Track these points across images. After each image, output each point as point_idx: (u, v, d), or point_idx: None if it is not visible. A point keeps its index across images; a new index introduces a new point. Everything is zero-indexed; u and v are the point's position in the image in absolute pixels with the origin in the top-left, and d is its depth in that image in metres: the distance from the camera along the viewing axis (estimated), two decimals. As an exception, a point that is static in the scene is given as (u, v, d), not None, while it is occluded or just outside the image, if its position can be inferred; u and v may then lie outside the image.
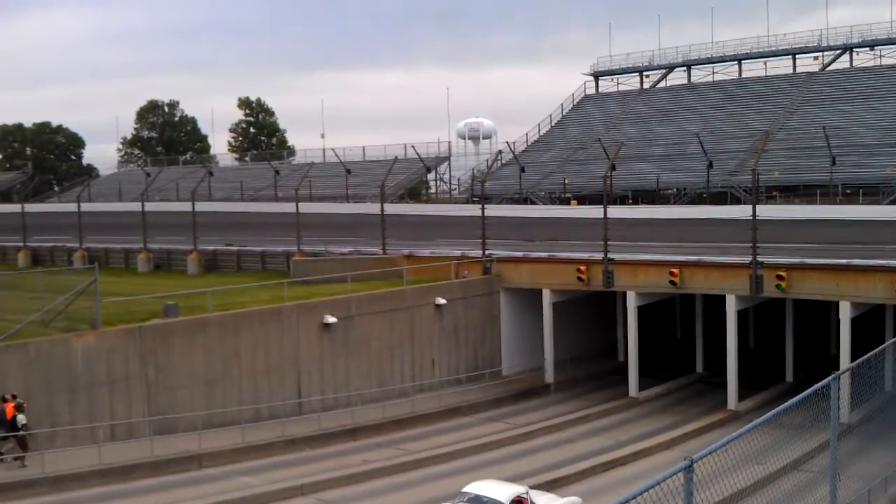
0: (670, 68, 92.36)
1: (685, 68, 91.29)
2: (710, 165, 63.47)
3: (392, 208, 50.47)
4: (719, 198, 65.94)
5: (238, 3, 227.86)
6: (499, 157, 74.95)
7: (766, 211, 38.56)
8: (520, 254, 40.87)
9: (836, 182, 62.52)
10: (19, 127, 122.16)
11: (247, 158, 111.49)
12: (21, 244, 55.59)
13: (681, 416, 34.58)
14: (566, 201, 73.62)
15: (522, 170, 71.10)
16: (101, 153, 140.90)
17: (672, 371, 40.88)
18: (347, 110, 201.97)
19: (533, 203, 74.16)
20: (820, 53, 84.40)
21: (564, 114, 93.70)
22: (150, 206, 52.40)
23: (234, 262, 47.82)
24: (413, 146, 73.40)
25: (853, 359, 27.90)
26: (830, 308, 37.14)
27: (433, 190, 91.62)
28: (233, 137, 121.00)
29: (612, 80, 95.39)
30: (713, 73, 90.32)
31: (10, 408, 24.85)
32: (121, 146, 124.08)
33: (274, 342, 31.48)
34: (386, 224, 42.99)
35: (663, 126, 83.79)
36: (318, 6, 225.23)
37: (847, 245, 37.03)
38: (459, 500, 21.10)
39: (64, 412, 26.36)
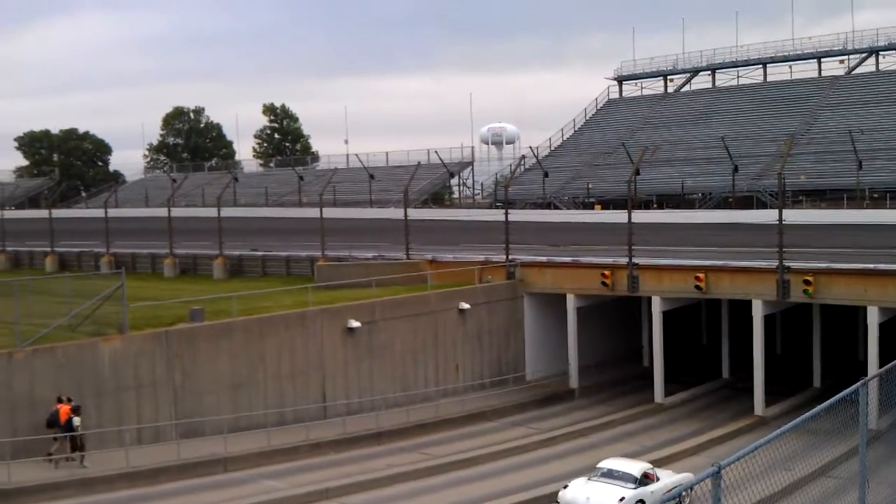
0: (695, 72, 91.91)
1: (710, 72, 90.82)
2: (736, 169, 63.04)
3: (415, 213, 50.60)
4: (745, 202, 65.51)
5: (262, 11, 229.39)
6: (522, 162, 74.97)
7: (793, 215, 38.26)
8: (544, 258, 40.80)
9: (863, 186, 61.91)
10: (46, 133, 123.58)
11: (271, 164, 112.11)
12: (48, 249, 56.20)
13: (707, 421, 34.35)
14: (590, 206, 73.47)
15: (546, 174, 70.99)
16: (128, 159, 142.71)
17: (698, 376, 40.63)
18: (371, 116, 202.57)
19: (556, 208, 74.02)
20: (845, 57, 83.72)
21: (588, 118, 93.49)
22: (177, 212, 52.79)
23: (259, 266, 48.09)
24: (436, 151, 73.49)
25: (881, 364, 27.65)
26: (858, 313, 36.75)
27: (456, 195, 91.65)
28: (257, 143, 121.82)
29: (636, 84, 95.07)
30: (738, 76, 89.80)
31: (64, 410, 25.26)
32: (147, 152, 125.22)
33: (299, 346, 31.62)
34: (409, 229, 43.06)
35: (688, 130, 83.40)
36: (341, 13, 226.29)
37: (875, 249, 36.66)
38: (594, 474, 23.76)
39: (91, 415, 26.55)
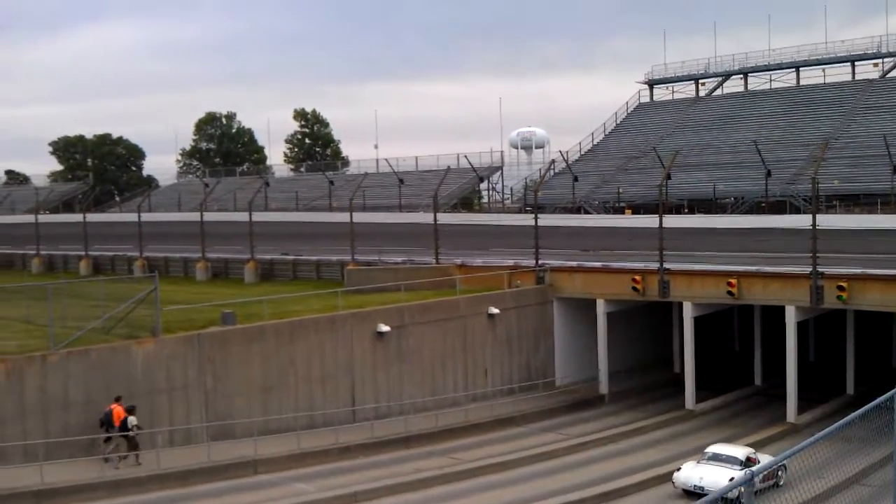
0: (727, 76, 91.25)
1: (742, 76, 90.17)
2: (769, 174, 62.48)
3: (445, 218, 50.59)
4: (778, 207, 64.89)
5: (293, 17, 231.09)
6: (552, 167, 74.82)
7: (826, 220, 37.84)
8: (573, 263, 40.67)
9: (898, 190, 61.07)
10: (81, 138, 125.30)
11: (302, 169, 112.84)
12: (83, 253, 56.93)
13: (739, 428, 34.03)
14: (620, 210, 73.11)
15: (576, 179, 70.80)
16: (161, 164, 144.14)
17: (729, 383, 40.27)
18: (401, 121, 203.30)
19: (587, 212, 73.76)
20: (879, 60, 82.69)
21: (619, 122, 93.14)
22: (209, 216, 53.30)
23: (290, 271, 48.39)
24: (466, 156, 73.59)
25: (917, 371, 27.26)
26: (893, 319, 36.28)
27: (486, 199, 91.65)
28: (288, 148, 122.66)
29: (668, 88, 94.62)
30: (770, 80, 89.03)
31: (118, 410, 25.71)
32: (180, 157, 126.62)
33: (328, 350, 31.77)
34: (439, 234, 43.11)
35: (720, 134, 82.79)
36: (371, 19, 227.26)
37: (911, 255, 36.14)
38: (702, 458, 26.46)
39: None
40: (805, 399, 34.11)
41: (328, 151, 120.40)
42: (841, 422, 9.17)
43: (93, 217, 66.79)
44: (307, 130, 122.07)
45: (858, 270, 33.09)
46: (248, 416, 29.01)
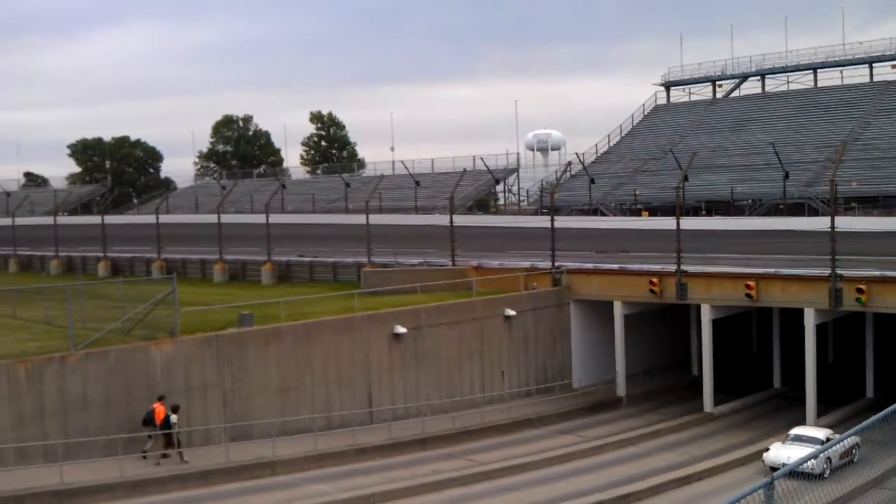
0: (744, 78, 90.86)
1: (759, 78, 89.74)
2: (787, 176, 62.13)
3: (461, 220, 50.62)
4: (796, 209, 64.50)
5: (309, 20, 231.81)
6: (568, 169, 74.57)
7: (845, 222, 37.63)
8: (590, 265, 40.57)
9: (918, 193, 60.63)
10: (99, 141, 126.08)
11: (318, 171, 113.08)
12: (101, 254, 57.29)
13: (757, 431, 33.85)
14: (637, 212, 72.88)
15: (592, 181, 70.64)
16: (179, 166, 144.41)
17: (748, 386, 40.07)
18: (417, 123, 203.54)
19: (603, 214, 73.56)
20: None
21: (635, 124, 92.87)
22: (226, 218, 53.50)
23: (307, 272, 48.51)
24: (482, 158, 73.56)
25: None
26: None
27: (502, 201, 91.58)
28: (305, 151, 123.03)
29: (684, 89, 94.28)
30: (788, 82, 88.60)
31: (160, 409, 26.06)
32: (197, 160, 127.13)
33: (345, 352, 31.83)
34: (455, 236, 43.12)
35: (737, 136, 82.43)
36: (386, 21, 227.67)
37: (931, 257, 35.84)
38: (787, 439, 28.69)
39: (143, 418, 26.97)
40: (824, 402, 33.88)
41: (344, 154, 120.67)
42: (839, 437, 9.10)
43: (111, 219, 67.14)
44: (323, 133, 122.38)
45: (877, 273, 32.87)
46: (266, 417, 29.09)
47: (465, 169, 67.52)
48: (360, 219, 49.59)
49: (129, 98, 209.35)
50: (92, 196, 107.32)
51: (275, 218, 52.44)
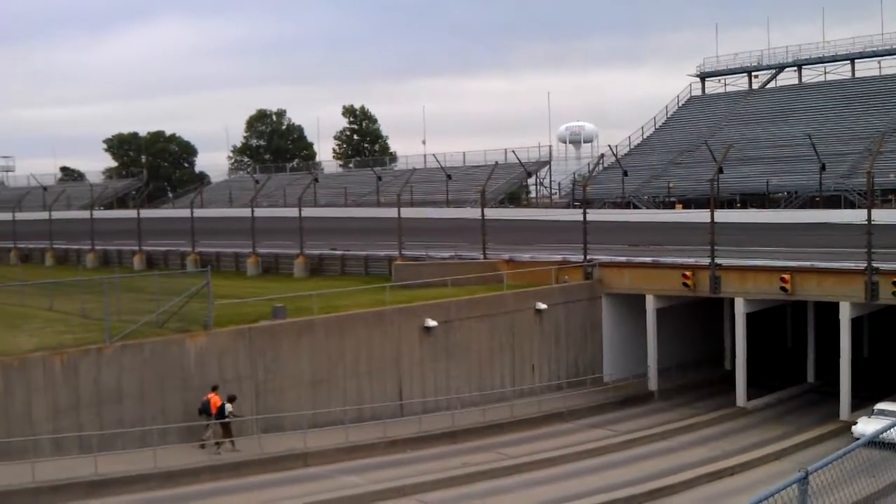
0: (780, 68, 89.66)
1: (796, 68, 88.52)
2: (823, 168, 61.33)
3: (492, 213, 50.50)
4: (832, 201, 63.64)
5: (342, 16, 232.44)
6: (601, 161, 74.25)
7: (882, 215, 37.08)
8: (623, 259, 40.35)
9: (959, 184, 59.51)
10: (134, 136, 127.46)
11: (350, 165, 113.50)
12: (137, 248, 57.96)
13: (791, 426, 33.51)
14: (671, 205, 72.33)
15: (625, 173, 70.18)
16: (213, 161, 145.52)
17: (782, 380, 39.64)
18: (448, 116, 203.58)
19: (636, 207, 73.09)
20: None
21: (669, 116, 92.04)
22: (259, 212, 53.90)
23: (339, 265, 48.74)
24: (513, 151, 73.35)
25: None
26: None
27: (533, 195, 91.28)
28: (337, 145, 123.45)
29: (720, 80, 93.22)
30: (825, 73, 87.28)
31: (215, 399, 26.63)
32: (231, 154, 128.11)
33: (376, 344, 31.96)
34: (486, 229, 43.07)
35: (773, 128, 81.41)
36: (420, 16, 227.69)
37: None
38: (872, 413, 30.30)
39: (177, 410, 27.35)
40: (859, 397, 33.44)
41: (376, 147, 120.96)
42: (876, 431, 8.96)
43: (146, 213, 67.90)
44: (355, 127, 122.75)
45: (916, 266, 32.32)
46: (298, 409, 29.29)
47: (496, 162, 67.47)
48: (391, 212, 49.77)
49: (164, 93, 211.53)
50: (128, 190, 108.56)
51: (307, 211, 52.71)
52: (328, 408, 30.22)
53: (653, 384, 37.88)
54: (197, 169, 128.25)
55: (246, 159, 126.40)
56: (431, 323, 33.03)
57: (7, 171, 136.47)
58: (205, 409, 26.95)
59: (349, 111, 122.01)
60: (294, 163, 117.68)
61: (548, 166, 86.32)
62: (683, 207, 68.78)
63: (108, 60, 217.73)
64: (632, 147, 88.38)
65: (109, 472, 24.10)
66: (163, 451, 25.43)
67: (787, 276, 33.71)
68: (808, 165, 66.69)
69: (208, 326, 28.56)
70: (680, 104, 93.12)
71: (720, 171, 41.73)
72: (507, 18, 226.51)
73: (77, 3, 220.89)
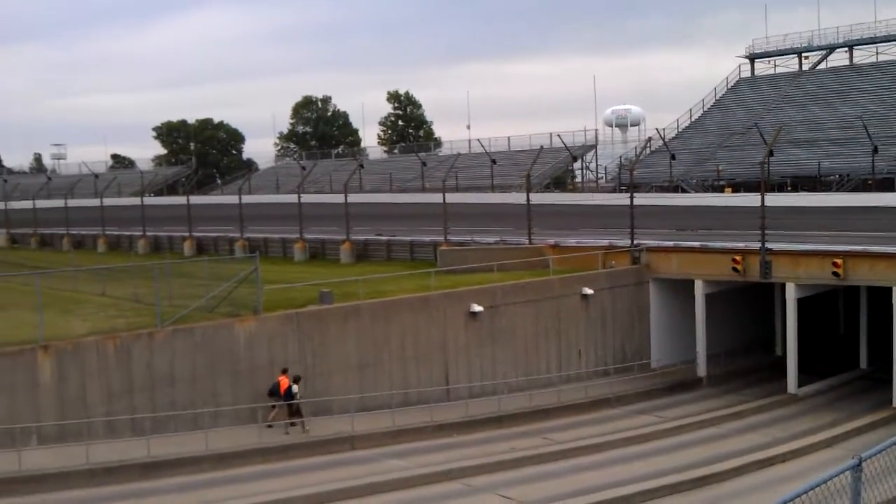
0: (831, 49, 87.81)
1: (847, 49, 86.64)
2: (875, 150, 59.99)
3: (537, 198, 50.29)
4: (885, 184, 62.28)
5: (388, 1, 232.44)
6: (648, 144, 73.39)
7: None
8: (670, 243, 39.93)
9: None
10: (183, 123, 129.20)
11: (395, 151, 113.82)
12: (187, 234, 58.81)
13: (842, 413, 32.95)
14: (720, 189, 71.41)
15: (673, 157, 69.39)
16: (260, 148, 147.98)
17: (834, 367, 38.98)
18: (493, 101, 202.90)
19: (684, 191, 72.26)
20: None
21: (718, 98, 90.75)
22: (306, 198, 54.30)
23: (384, 251, 48.95)
24: (559, 135, 72.96)
25: None
26: None
27: (579, 179, 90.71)
28: (382, 130, 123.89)
29: (769, 62, 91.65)
30: (877, 53, 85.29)
31: (284, 380, 27.34)
32: (277, 141, 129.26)
33: (422, 329, 32.06)
34: (531, 214, 42.91)
35: (824, 109, 79.85)
36: (464, 1, 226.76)
37: None
38: None
39: (227, 393, 27.75)
40: (914, 384, 32.74)
41: (421, 133, 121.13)
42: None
43: (196, 199, 68.82)
44: (400, 112, 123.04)
45: (974, 250, 31.52)
46: (345, 393, 29.55)
47: (541, 146, 66.96)
48: (436, 198, 49.79)
49: (213, 80, 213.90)
50: (177, 177, 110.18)
51: (353, 197, 52.99)
52: (375, 392, 30.44)
53: (701, 370, 37.51)
54: (244, 156, 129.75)
55: (292, 146, 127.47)
56: (477, 308, 33.03)
57: (59, 159, 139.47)
58: (275, 391, 27.63)
59: (394, 97, 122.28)
60: (339, 149, 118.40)
61: (594, 150, 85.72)
62: (733, 191, 67.85)
63: (158, 48, 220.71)
64: (679, 130, 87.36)
65: (162, 455, 24.54)
66: (214, 434, 25.81)
67: (839, 261, 33.09)
68: (860, 148, 65.35)
69: (257, 311, 28.90)
70: (729, 86, 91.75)
71: (770, 153, 41.00)
72: (555, 1, 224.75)
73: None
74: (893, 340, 32.12)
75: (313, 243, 52.42)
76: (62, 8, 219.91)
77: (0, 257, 57.66)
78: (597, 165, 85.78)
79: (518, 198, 53.75)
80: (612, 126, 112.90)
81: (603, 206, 55.98)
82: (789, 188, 68.66)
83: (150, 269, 31.15)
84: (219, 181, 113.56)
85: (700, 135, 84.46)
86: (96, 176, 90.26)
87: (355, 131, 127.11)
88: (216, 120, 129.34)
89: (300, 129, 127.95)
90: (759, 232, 34.78)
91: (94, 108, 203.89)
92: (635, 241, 38.95)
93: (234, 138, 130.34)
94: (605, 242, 40.28)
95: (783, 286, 35.47)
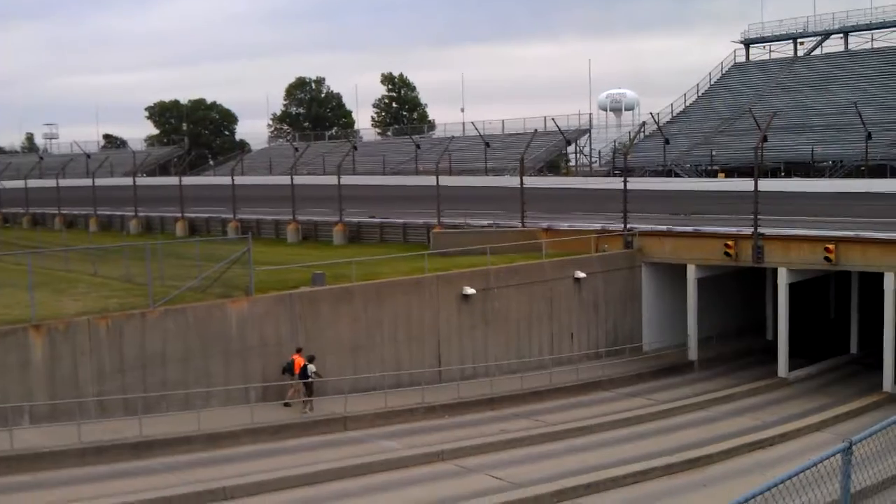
0: (826, 35, 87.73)
1: (842, 35, 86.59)
2: (869, 137, 60.10)
3: (531, 181, 50.30)
4: (878, 171, 62.42)
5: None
6: (642, 129, 73.38)
7: (931, 184, 36.24)
8: (663, 228, 39.99)
9: None
10: (176, 103, 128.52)
11: (389, 133, 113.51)
12: (179, 215, 58.63)
13: (833, 397, 33.16)
14: (713, 174, 71.46)
15: (667, 141, 69.29)
16: (253, 128, 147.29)
17: (824, 351, 39.20)
18: (487, 83, 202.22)
19: (677, 176, 72.31)
20: None
21: (713, 83, 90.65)
22: (299, 180, 54.17)
23: (377, 233, 48.92)
24: (553, 119, 72.67)
25: None
26: None
27: (573, 163, 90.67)
28: (376, 113, 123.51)
29: (764, 47, 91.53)
30: (872, 39, 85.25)
31: (299, 359, 27.64)
32: (271, 122, 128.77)
33: (415, 312, 32.09)
34: (525, 197, 42.89)
35: (818, 95, 79.87)
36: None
37: None
38: None
39: (219, 374, 27.75)
40: (904, 369, 32.92)
41: (415, 115, 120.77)
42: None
43: (188, 180, 68.55)
44: (394, 94, 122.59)
45: (965, 236, 31.65)
46: (338, 375, 29.59)
47: (535, 130, 66.93)
48: (430, 180, 49.70)
49: (205, 61, 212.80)
50: (169, 157, 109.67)
51: (346, 179, 52.90)
52: (367, 373, 30.48)
53: (693, 354, 37.67)
54: (237, 137, 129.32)
55: (286, 127, 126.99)
56: (470, 291, 33.06)
57: (51, 139, 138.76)
58: (289, 369, 27.88)
59: (388, 79, 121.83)
60: (333, 131, 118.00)
61: (588, 134, 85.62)
62: (726, 176, 67.94)
63: (150, 28, 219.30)
64: (674, 115, 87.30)
65: (153, 434, 24.54)
66: (206, 414, 25.82)
67: (831, 246, 33.19)
68: (853, 134, 65.44)
69: (249, 292, 28.87)
70: (724, 71, 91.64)
71: (764, 139, 41.05)
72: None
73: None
74: (884, 325, 32.31)
75: (306, 225, 52.35)
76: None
77: (-9, 237, 57.36)
78: (591, 149, 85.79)
79: (512, 181, 53.79)
80: (606, 110, 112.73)
81: (596, 190, 56.07)
82: (782, 173, 68.78)
83: (141, 250, 31.05)
84: (211, 162, 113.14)
85: (694, 120, 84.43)
86: (88, 156, 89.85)
87: (349, 113, 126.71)
88: (209, 100, 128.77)
89: (293, 110, 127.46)
90: (752, 217, 34.84)
91: (86, 87, 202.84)
92: (628, 226, 38.99)
93: (227, 119, 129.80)
94: (598, 226, 40.33)
95: (775, 271, 35.59)
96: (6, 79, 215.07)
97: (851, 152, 65.90)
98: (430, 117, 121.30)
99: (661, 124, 75.24)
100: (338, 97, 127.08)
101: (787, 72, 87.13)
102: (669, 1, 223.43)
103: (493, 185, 66.95)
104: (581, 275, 36.43)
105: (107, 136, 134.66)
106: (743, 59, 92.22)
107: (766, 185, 39.53)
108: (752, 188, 35.22)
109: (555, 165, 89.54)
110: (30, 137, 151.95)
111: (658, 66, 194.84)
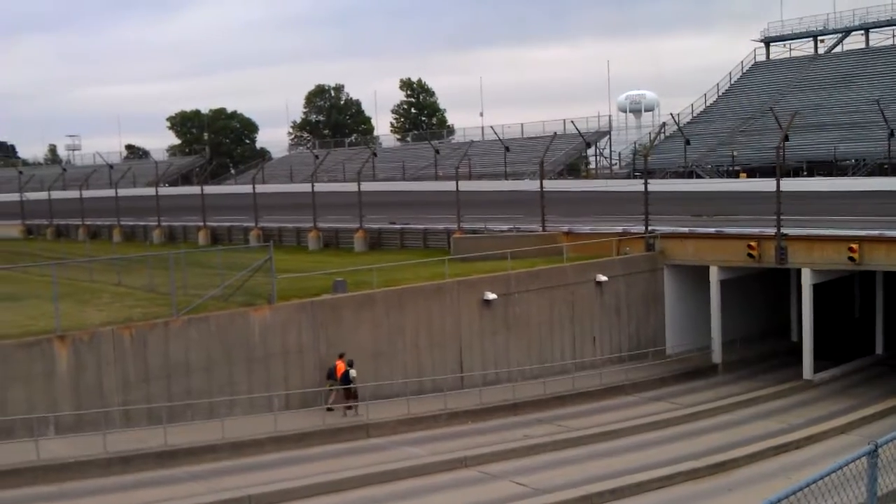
0: (847, 32, 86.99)
1: (863, 32, 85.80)
2: (892, 134, 59.45)
3: (551, 185, 50.13)
4: (902, 169, 61.72)
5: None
6: (662, 130, 73.07)
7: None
8: (685, 229, 39.76)
9: None
10: (197, 113, 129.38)
11: (408, 139, 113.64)
12: (201, 223, 59.00)
13: (858, 399, 32.81)
14: (735, 174, 71.02)
15: (687, 142, 68.87)
16: (273, 137, 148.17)
17: (849, 352, 38.81)
18: (506, 87, 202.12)
19: (699, 177, 71.90)
20: None
21: (733, 82, 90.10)
22: (319, 187, 54.35)
23: (398, 239, 48.98)
24: (572, 121, 72.55)
25: None
26: None
27: (593, 165, 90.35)
28: (395, 118, 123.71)
29: (785, 45, 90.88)
30: (894, 35, 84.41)
31: (341, 365, 27.98)
32: (291, 130, 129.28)
33: (436, 317, 32.08)
34: (545, 201, 42.78)
35: (840, 93, 79.18)
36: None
37: None
38: None
39: (242, 381, 27.88)
40: (931, 369, 32.61)
41: (433, 120, 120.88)
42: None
43: (210, 189, 68.96)
44: (413, 100, 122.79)
45: None
46: (360, 381, 29.57)
47: (555, 133, 66.71)
48: (449, 185, 49.71)
49: (225, 70, 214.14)
50: (191, 167, 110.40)
51: (366, 186, 53.00)
52: (389, 380, 30.51)
53: (717, 357, 37.40)
54: (258, 145, 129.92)
55: (305, 135, 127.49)
56: (491, 296, 33.02)
57: (74, 150, 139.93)
58: (331, 375, 28.23)
59: (406, 84, 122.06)
60: (352, 137, 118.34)
61: (608, 136, 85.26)
62: (748, 176, 67.48)
63: (171, 38, 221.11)
64: (694, 115, 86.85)
65: (178, 443, 24.67)
66: (230, 422, 25.94)
67: (855, 246, 32.88)
68: (876, 132, 64.78)
69: (272, 300, 28.99)
70: (744, 70, 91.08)
71: (786, 138, 40.70)
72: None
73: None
74: (910, 326, 31.98)
75: (327, 232, 52.50)
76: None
77: (16, 248, 58.01)
78: (611, 151, 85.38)
79: (531, 185, 53.63)
80: (626, 112, 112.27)
81: (617, 193, 55.75)
82: (805, 173, 68.20)
83: (164, 259, 31.29)
84: (232, 171, 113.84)
85: (715, 120, 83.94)
86: (111, 166, 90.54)
87: (368, 119, 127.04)
88: (230, 109, 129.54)
89: (313, 117, 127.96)
90: (775, 217, 34.58)
91: (107, 98, 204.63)
92: (650, 228, 38.81)
93: (248, 128, 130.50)
94: (619, 229, 40.15)
95: (799, 272, 35.29)
96: (28, 91, 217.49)
97: (874, 150, 65.24)
98: (449, 122, 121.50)
99: (681, 125, 74.85)
100: (357, 104, 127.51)
101: (807, 70, 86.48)
102: (688, 1, 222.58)
103: (512, 189, 66.78)
104: (603, 278, 36.28)
105: (129, 147, 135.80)
106: (763, 57, 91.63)
107: (789, 184, 39.18)
108: (775, 188, 34.96)
109: (575, 168, 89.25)
110: (52, 149, 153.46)
111: (678, 67, 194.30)
